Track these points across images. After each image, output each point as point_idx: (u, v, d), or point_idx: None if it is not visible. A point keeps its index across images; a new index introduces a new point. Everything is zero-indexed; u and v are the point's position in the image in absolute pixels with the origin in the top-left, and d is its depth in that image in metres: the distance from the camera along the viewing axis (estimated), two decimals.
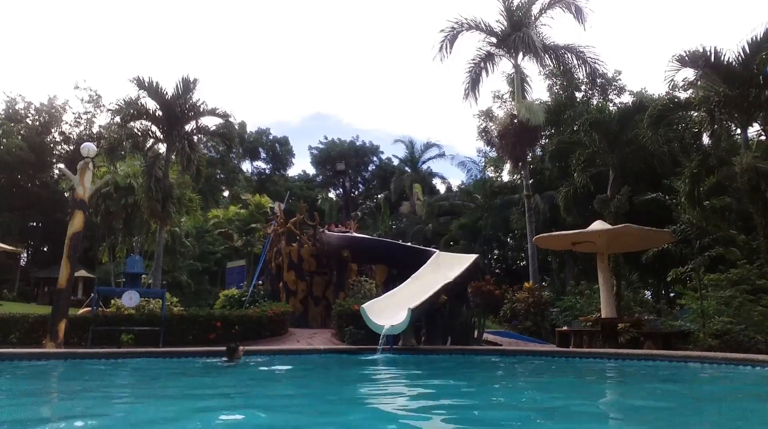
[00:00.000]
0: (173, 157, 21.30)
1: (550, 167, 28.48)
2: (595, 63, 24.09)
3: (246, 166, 57.94)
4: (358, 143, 58.72)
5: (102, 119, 40.86)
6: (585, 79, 30.76)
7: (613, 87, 31.74)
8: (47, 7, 74.08)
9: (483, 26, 24.52)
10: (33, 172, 40.62)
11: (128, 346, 12.47)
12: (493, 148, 33.49)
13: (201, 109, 21.71)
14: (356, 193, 61.43)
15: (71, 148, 40.57)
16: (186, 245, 33.88)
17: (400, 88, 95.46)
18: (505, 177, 38.14)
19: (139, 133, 21.85)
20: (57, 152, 42.84)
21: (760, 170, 12.10)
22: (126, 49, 79.51)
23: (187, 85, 21.14)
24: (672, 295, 24.05)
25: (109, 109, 22.69)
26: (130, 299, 13.12)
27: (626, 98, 29.87)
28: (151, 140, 22.56)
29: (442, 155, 44.74)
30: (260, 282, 19.81)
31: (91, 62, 73.94)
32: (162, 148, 22.50)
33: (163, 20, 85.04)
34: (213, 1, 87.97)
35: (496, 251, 40.18)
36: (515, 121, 23.60)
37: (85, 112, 42.66)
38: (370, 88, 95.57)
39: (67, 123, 43.20)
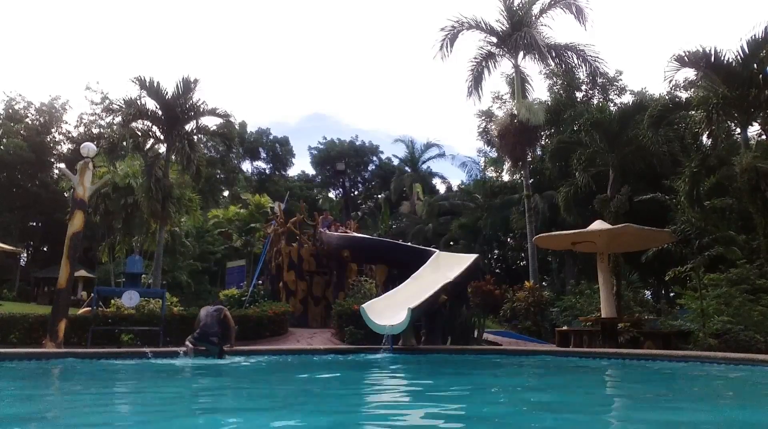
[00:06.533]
0: (173, 157, 21.31)
1: (550, 167, 28.48)
2: (595, 62, 24.15)
3: (246, 166, 58.00)
4: (357, 143, 58.72)
5: (105, 120, 40.85)
6: (586, 79, 30.80)
7: (614, 87, 31.76)
8: (49, 7, 74.15)
9: (483, 26, 24.55)
10: (33, 172, 40.60)
11: (128, 346, 12.49)
12: (493, 148, 33.54)
13: (201, 109, 21.73)
14: (356, 193, 61.41)
15: (72, 146, 40.54)
16: (186, 245, 33.89)
17: (400, 88, 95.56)
18: (505, 177, 38.19)
19: (140, 133, 21.88)
20: (57, 152, 42.82)
21: (760, 170, 12.11)
22: (127, 49, 79.61)
23: (188, 85, 21.16)
24: (672, 295, 24.05)
25: (110, 109, 22.67)
26: (130, 299, 13.13)
27: (627, 98, 29.88)
28: (151, 140, 22.62)
29: (442, 155, 44.78)
30: (260, 282, 19.83)
31: (92, 62, 74.06)
32: (162, 148, 22.55)
33: (164, 20, 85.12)
34: (213, 1, 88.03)
35: (496, 251, 40.18)
36: (515, 120, 23.62)
37: (92, 113, 42.66)
38: (370, 88, 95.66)
39: (68, 123, 43.26)
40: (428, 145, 45.43)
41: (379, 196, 55.47)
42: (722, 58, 13.21)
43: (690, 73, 16.46)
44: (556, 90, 31.75)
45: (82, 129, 42.16)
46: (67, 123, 43.18)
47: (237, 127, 36.22)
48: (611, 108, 24.45)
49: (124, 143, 20.89)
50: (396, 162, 51.08)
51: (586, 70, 25.46)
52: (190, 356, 8.99)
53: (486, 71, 25.15)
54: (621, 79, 31.72)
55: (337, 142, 58.63)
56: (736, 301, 13.96)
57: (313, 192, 53.68)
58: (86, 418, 4.23)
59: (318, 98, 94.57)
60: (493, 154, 36.45)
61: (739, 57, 13.03)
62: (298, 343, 13.24)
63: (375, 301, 11.63)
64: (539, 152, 30.43)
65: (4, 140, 38.57)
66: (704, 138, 15.97)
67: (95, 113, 42.41)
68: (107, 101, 40.24)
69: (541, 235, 15.92)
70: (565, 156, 23.50)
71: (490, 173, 40.29)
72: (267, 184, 52.97)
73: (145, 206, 21.08)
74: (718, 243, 15.93)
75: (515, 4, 24.49)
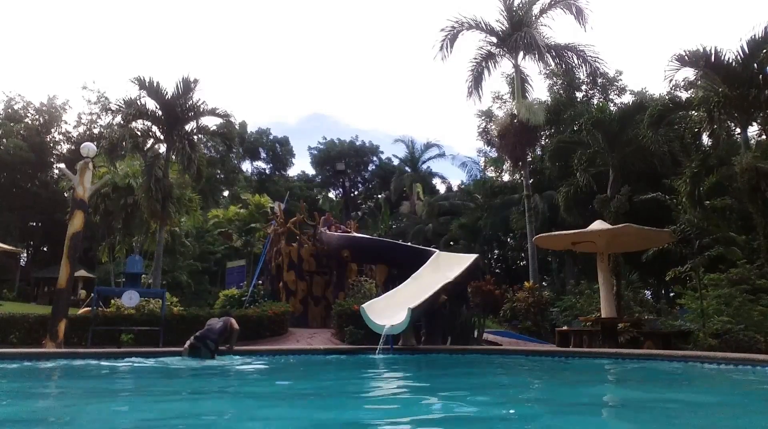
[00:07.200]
0: (173, 157, 21.31)
1: (550, 167, 28.51)
2: (595, 62, 24.17)
3: (246, 166, 58.05)
4: (357, 143, 58.72)
5: (105, 120, 40.79)
6: (586, 79, 30.82)
7: (614, 87, 31.80)
8: (48, 6, 74.15)
9: (483, 26, 24.55)
10: (33, 172, 40.62)
11: (128, 346, 12.49)
12: (493, 148, 33.58)
13: (201, 109, 21.73)
14: (356, 193, 61.40)
15: (72, 146, 40.56)
16: (186, 245, 33.90)
17: (400, 88, 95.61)
18: (505, 177, 38.22)
19: (140, 133, 21.88)
20: (57, 152, 42.83)
21: (760, 170, 12.10)
22: (127, 49, 79.62)
23: (188, 85, 21.16)
24: (672, 295, 24.05)
25: (110, 109, 22.67)
26: (130, 299, 13.12)
27: (627, 98, 29.94)
28: (151, 140, 22.60)
29: (442, 155, 44.74)
30: (260, 282, 19.84)
31: (92, 62, 74.06)
32: (162, 148, 22.55)
33: (163, 20, 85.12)
34: (213, 1, 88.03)
35: (496, 251, 40.19)
36: (515, 121, 23.64)
37: (90, 113, 42.66)
38: (370, 88, 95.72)
39: (67, 123, 43.28)
40: (428, 145, 45.42)
41: (379, 196, 55.46)
42: (722, 57, 13.21)
43: (690, 73, 16.46)
44: (556, 90, 31.77)
45: (81, 129, 42.18)
46: (66, 123, 43.27)
47: (237, 127, 36.21)
48: (611, 108, 24.46)
49: (124, 143, 20.86)
50: (396, 162, 51.11)
51: (586, 70, 25.47)
52: (184, 357, 9.02)
53: (486, 71, 25.18)
54: (621, 79, 31.77)
55: (337, 142, 58.64)
56: (736, 301, 13.95)
57: (313, 192, 53.68)
58: (85, 418, 4.23)
59: (318, 98, 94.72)
60: (493, 154, 36.49)
61: (739, 57, 13.03)
62: (298, 343, 13.23)
63: (375, 301, 11.62)
64: (539, 152, 30.44)
65: (4, 140, 38.57)
66: (704, 138, 15.99)
67: (92, 113, 42.48)
68: (104, 100, 40.41)
69: (541, 235, 15.90)
70: (565, 156, 23.50)
71: (490, 173, 40.31)
72: (267, 184, 52.99)
73: (145, 206, 21.07)
74: (719, 243, 15.92)
75: (515, 4, 24.50)
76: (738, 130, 15.00)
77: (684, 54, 13.57)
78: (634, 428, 3.93)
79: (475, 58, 25.08)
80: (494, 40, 24.82)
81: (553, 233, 16.53)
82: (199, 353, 9.11)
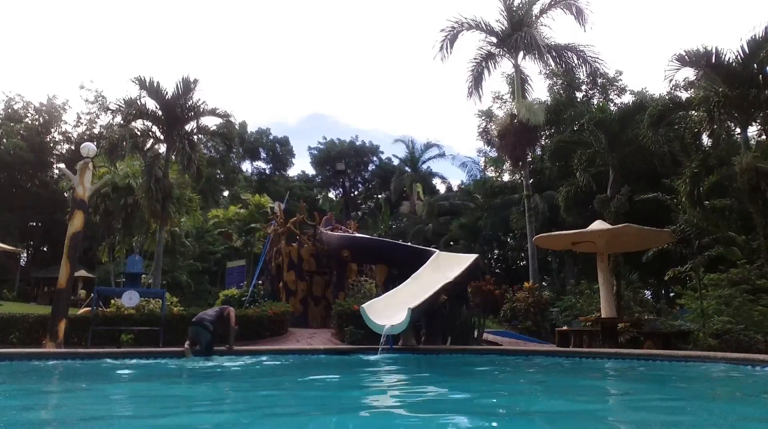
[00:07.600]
0: (173, 157, 21.31)
1: (550, 167, 28.53)
2: (595, 62, 24.18)
3: (246, 166, 58.04)
4: (357, 143, 58.71)
5: (104, 119, 40.78)
6: (586, 79, 30.84)
7: (614, 87, 31.82)
8: (48, 6, 74.15)
9: (483, 26, 24.55)
10: (33, 172, 40.61)
11: (128, 346, 12.48)
12: (493, 148, 33.60)
13: (201, 109, 21.74)
14: (356, 193, 61.39)
15: (72, 147, 40.57)
16: (186, 245, 33.91)
17: (400, 88, 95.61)
18: (505, 177, 38.26)
19: (140, 133, 21.88)
20: (57, 152, 42.83)
21: (760, 170, 12.10)
22: (127, 49, 79.64)
23: (188, 86, 21.17)
24: (672, 295, 24.05)
25: (110, 109, 22.67)
26: (130, 299, 13.12)
27: (627, 98, 29.96)
28: (151, 140, 22.61)
29: (442, 155, 44.70)
30: (260, 282, 19.83)
31: (92, 62, 74.07)
32: (162, 148, 22.56)
33: (163, 20, 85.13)
34: (213, 1, 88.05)
35: (496, 251, 40.20)
36: (515, 121, 23.64)
37: (89, 113, 42.65)
38: (370, 88, 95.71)
39: (67, 123, 43.27)
40: (428, 145, 45.38)
41: (379, 196, 55.46)
42: (723, 57, 13.23)
43: (690, 73, 16.52)
44: (556, 90, 31.78)
45: (81, 129, 42.19)
46: (66, 123, 43.26)
47: (237, 127, 36.25)
48: (611, 108, 24.46)
49: (124, 143, 20.87)
50: (396, 162, 51.08)
51: (586, 71, 25.48)
52: (187, 357, 9.00)
53: (486, 71, 25.19)
54: (621, 79, 31.80)
55: (337, 142, 58.63)
56: (736, 301, 13.95)
57: (313, 192, 53.68)
58: (84, 418, 4.22)
59: (318, 98, 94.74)
60: (493, 154, 36.52)
61: (739, 57, 13.04)
62: (298, 343, 13.23)
63: (375, 301, 11.61)
64: (539, 152, 30.45)
65: (4, 140, 38.57)
66: (704, 138, 15.99)
67: (91, 112, 42.48)
68: (101, 99, 40.38)
69: (541, 235, 15.90)
70: (565, 156, 23.52)
71: (490, 173, 40.34)
72: (267, 184, 52.98)
73: (145, 206, 21.08)
74: (719, 243, 15.93)
75: (515, 4, 24.50)
76: (738, 130, 15.01)
77: (684, 54, 13.58)
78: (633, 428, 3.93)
79: (475, 59, 25.11)
80: (494, 40, 24.83)
81: (553, 233, 16.52)
82: (198, 337, 9.09)
